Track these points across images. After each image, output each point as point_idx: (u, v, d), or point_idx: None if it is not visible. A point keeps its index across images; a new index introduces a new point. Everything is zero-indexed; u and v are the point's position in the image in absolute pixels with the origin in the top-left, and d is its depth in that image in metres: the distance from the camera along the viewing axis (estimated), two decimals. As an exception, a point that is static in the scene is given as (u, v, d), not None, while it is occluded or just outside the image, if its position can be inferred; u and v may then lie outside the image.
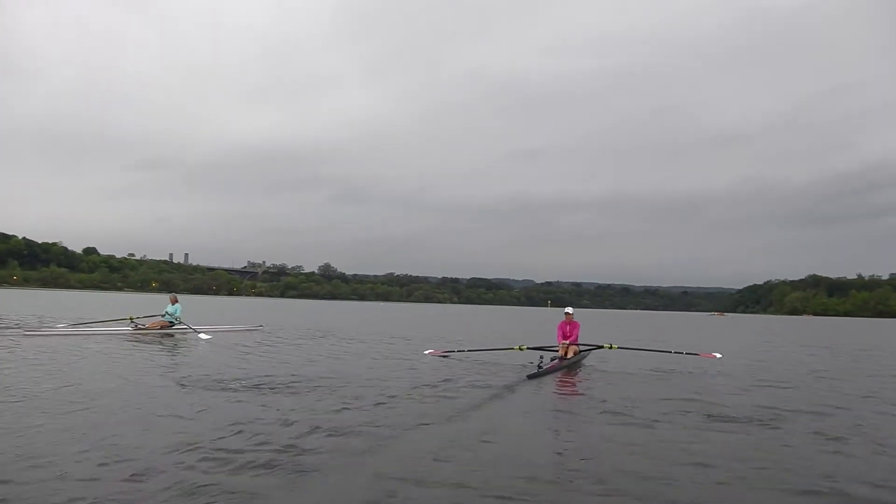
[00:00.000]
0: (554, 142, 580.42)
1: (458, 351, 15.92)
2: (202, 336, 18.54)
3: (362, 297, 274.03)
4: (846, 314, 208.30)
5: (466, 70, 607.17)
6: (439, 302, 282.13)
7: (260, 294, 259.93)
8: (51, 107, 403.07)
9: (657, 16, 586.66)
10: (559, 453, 6.06)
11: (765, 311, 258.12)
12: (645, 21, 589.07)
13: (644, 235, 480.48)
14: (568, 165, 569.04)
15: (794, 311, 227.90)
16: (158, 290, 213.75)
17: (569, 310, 15.10)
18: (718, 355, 15.14)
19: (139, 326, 19.53)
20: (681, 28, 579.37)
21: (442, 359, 14.88)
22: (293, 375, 10.75)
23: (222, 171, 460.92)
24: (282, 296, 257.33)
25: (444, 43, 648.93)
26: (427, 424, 6.92)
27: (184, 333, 19.61)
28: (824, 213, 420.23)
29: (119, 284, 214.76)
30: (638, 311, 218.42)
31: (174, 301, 20.47)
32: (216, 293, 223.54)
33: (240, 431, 6.33)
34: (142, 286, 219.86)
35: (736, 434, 7.05)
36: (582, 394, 10.13)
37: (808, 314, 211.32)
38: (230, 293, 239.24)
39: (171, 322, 20.00)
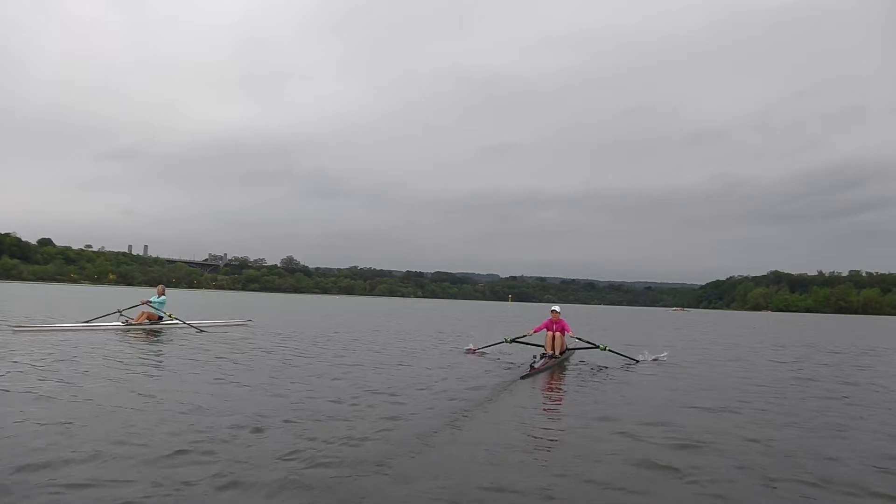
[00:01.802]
0: (526, 138, 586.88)
1: (486, 346, 16.06)
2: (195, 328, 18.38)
3: (325, 291, 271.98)
4: (808, 310, 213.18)
5: (442, 67, 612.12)
6: (403, 296, 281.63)
7: (221, 287, 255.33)
8: (17, 96, 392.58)
9: (632, 16, 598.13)
10: (548, 463, 5.85)
11: (727, 306, 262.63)
12: (620, 21, 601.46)
13: (611, 231, 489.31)
14: (539, 162, 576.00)
15: (756, 307, 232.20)
16: (116, 283, 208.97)
17: (556, 308, 14.53)
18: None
19: (129, 321, 18.80)
20: (656, 29, 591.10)
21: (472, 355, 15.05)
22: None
23: (193, 164, 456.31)
24: (243, 289, 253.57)
25: (420, 39, 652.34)
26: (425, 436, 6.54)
27: (172, 327, 19.30)
28: (787, 211, 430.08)
29: (74, 276, 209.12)
30: (601, 307, 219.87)
31: (161, 293, 19.79)
32: (176, 286, 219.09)
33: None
34: (98, 278, 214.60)
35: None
36: (574, 397, 9.82)
37: (771, 310, 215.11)
38: (190, 286, 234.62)
39: (160, 315, 19.47)
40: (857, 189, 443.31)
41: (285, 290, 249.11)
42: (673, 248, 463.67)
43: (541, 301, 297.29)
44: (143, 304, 19.49)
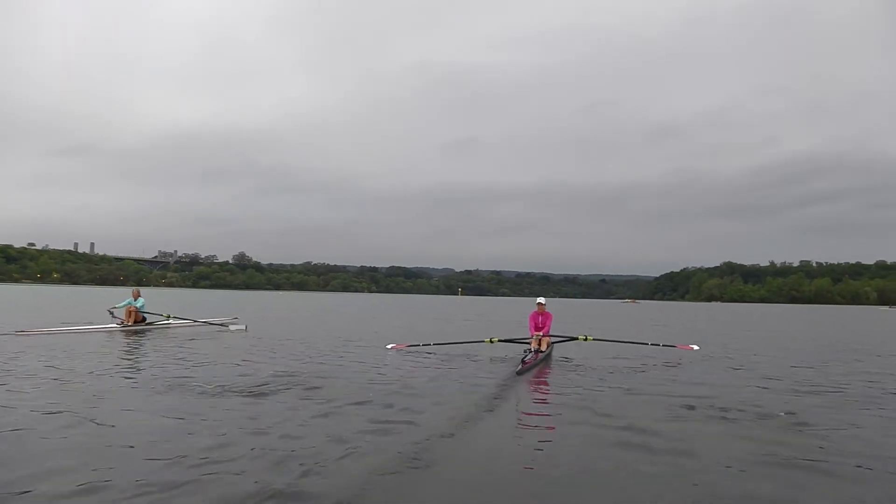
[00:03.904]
0: (487, 134, 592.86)
1: (435, 344, 14.62)
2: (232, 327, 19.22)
3: (278, 287, 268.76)
4: (761, 300, 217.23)
5: (406, 63, 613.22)
6: (357, 291, 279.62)
7: (171, 284, 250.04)
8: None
9: (597, 15, 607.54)
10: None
11: (682, 298, 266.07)
12: (585, 20, 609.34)
13: (567, 225, 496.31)
14: (498, 157, 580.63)
15: (710, 298, 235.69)
16: (60, 282, 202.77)
17: (541, 300, 14.59)
18: (696, 347, 14.90)
19: (123, 322, 18.85)
20: (621, 28, 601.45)
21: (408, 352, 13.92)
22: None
23: (147, 160, 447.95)
24: (193, 286, 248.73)
25: (385, 36, 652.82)
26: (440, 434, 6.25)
27: (165, 327, 19.62)
28: (741, 204, 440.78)
29: (16, 275, 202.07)
30: (555, 299, 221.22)
31: (137, 296, 19.73)
32: (123, 284, 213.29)
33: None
34: (42, 277, 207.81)
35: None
36: (571, 388, 9.53)
37: (725, 301, 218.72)
38: (138, 284, 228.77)
39: (144, 316, 19.51)
40: (808, 183, 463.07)
41: (237, 287, 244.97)
42: (628, 242, 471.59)
43: (496, 295, 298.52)
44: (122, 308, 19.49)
